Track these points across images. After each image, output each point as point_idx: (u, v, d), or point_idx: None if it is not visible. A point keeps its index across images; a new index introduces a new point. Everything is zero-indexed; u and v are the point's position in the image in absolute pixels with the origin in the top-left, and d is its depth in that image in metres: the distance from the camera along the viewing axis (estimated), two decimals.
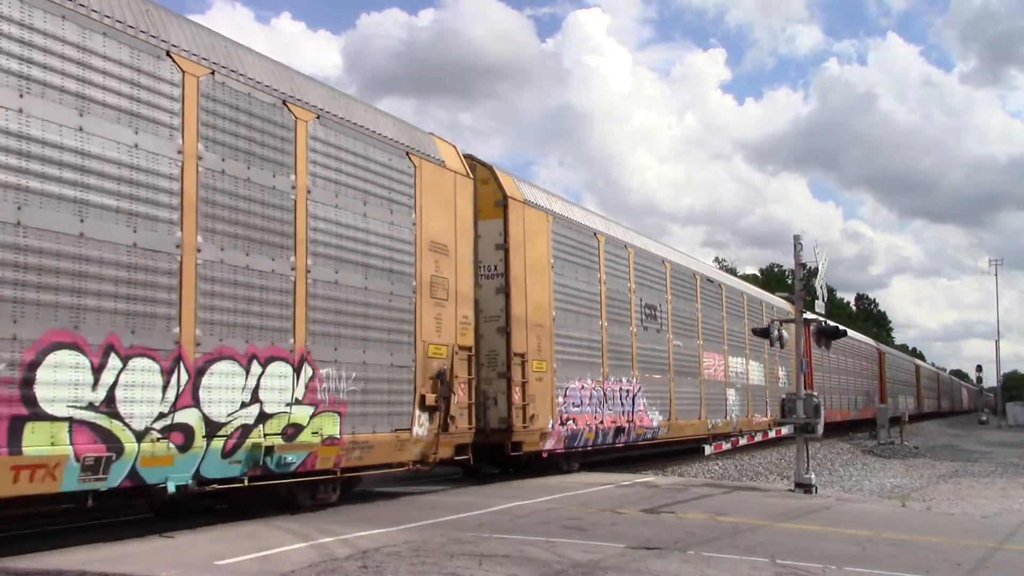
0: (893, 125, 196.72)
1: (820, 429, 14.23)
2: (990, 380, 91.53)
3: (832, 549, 8.31)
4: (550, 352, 15.05)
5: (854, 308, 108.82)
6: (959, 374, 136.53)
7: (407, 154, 11.84)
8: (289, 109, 9.88)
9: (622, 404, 17.62)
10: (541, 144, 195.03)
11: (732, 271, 69.99)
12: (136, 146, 8.06)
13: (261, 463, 9.16)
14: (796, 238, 14.88)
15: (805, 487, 13.79)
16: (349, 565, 6.94)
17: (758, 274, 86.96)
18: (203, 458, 8.52)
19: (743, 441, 17.16)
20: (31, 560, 6.96)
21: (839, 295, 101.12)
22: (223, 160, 8.94)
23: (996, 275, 74.23)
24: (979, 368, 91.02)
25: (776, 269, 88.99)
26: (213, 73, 8.93)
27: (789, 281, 26.17)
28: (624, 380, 17.80)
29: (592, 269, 16.98)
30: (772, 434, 17.82)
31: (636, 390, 18.24)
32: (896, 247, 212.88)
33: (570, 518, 9.97)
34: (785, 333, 16.14)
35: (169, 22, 8.69)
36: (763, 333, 16.64)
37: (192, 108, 8.62)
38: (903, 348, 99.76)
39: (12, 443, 6.88)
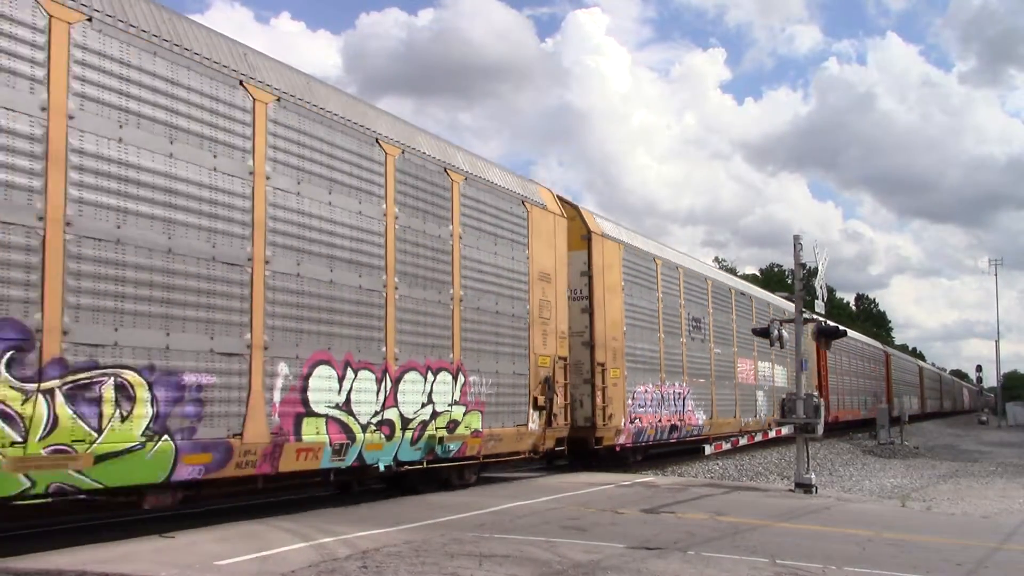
0: (892, 125, 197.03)
1: (820, 429, 14.23)
2: (990, 380, 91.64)
3: (832, 549, 8.31)
4: (622, 361, 17.73)
5: (854, 308, 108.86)
6: (959, 374, 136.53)
7: (522, 202, 14.56)
8: (448, 174, 12.72)
9: (675, 405, 20.36)
10: (541, 144, 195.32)
11: (732, 271, 70.01)
12: (360, 213, 10.85)
13: (434, 450, 11.93)
14: (796, 238, 14.88)
15: (805, 487, 13.79)
16: (349, 565, 6.94)
17: (758, 274, 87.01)
18: (400, 445, 11.28)
19: (743, 441, 17.16)
20: (31, 560, 6.97)
21: (839, 295, 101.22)
22: (409, 217, 11.79)
23: (996, 275, 74.42)
24: (979, 368, 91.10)
25: (776, 269, 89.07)
26: (403, 152, 11.80)
27: (789, 281, 26.19)
28: (676, 384, 20.53)
29: (652, 289, 19.74)
30: (772, 434, 17.82)
31: (686, 393, 20.94)
32: (895, 247, 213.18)
33: (570, 518, 9.97)
34: (786, 333, 16.13)
35: (379, 117, 11.73)
36: (763, 333, 16.63)
37: (392, 179, 11.54)
38: (903, 348, 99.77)
39: (296, 432, 9.59)
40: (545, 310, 14.87)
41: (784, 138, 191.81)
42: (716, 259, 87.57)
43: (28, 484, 6.96)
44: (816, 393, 14.97)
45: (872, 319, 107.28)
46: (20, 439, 6.85)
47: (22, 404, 6.89)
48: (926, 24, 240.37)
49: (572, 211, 16.98)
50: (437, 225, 12.29)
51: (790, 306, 30.47)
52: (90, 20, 7.77)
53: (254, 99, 9.39)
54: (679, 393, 20.53)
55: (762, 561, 7.51)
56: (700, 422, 21.75)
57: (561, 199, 16.67)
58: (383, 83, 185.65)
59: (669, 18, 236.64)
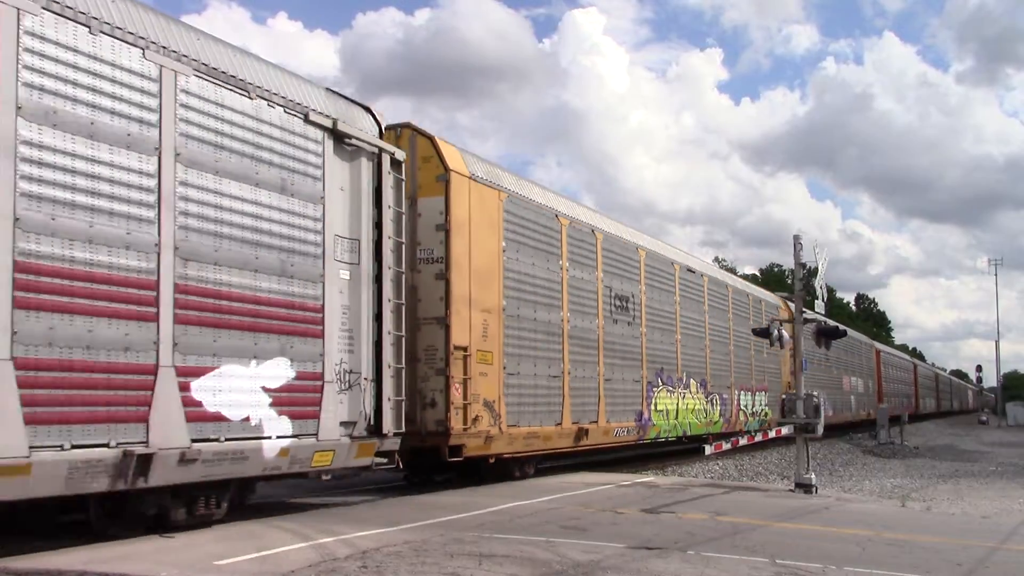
0: (890, 125, 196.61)
1: (820, 429, 14.23)
2: (990, 380, 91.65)
3: (832, 549, 8.32)
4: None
5: (854, 308, 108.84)
6: (959, 374, 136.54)
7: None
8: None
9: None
10: (539, 144, 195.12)
11: (732, 271, 69.98)
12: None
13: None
14: (796, 238, 14.87)
15: (805, 487, 13.79)
16: (349, 565, 6.94)
17: (758, 274, 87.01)
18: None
19: (743, 441, 17.15)
20: (31, 560, 6.96)
21: (839, 295, 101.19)
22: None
23: (996, 275, 74.43)
24: (979, 368, 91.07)
25: (776, 269, 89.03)
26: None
27: (789, 281, 26.12)
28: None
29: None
30: (772, 434, 17.82)
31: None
32: (894, 247, 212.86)
33: (570, 518, 9.97)
34: (786, 333, 16.13)
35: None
36: (763, 333, 16.63)
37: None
38: (903, 348, 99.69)
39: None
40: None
41: (782, 138, 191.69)
42: (716, 259, 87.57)
43: None
44: (815, 393, 14.94)
45: (872, 319, 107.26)
46: None
47: None
48: (922, 25, 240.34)
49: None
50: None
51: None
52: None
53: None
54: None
55: (762, 561, 7.52)
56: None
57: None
58: (381, 83, 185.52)
59: (666, 19, 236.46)
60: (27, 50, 7.05)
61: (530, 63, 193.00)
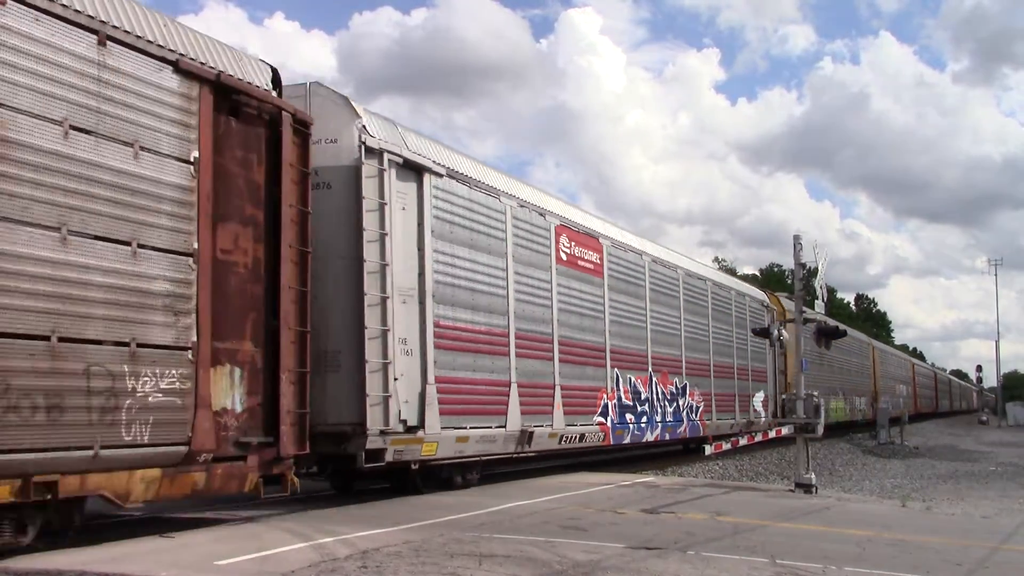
0: (887, 125, 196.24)
1: (820, 429, 14.24)
2: (990, 380, 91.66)
3: (832, 549, 8.31)
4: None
5: (854, 308, 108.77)
6: (959, 374, 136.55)
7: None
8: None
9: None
10: (537, 144, 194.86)
11: (732, 271, 69.96)
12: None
13: None
14: (796, 238, 14.87)
15: (805, 487, 13.79)
16: (349, 565, 6.93)
17: (757, 274, 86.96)
18: None
19: (743, 441, 17.15)
20: (31, 560, 6.96)
21: (838, 295, 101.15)
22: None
23: (996, 275, 74.41)
24: (979, 368, 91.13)
25: (776, 269, 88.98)
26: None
27: (789, 281, 26.09)
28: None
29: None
30: (772, 434, 17.81)
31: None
32: (893, 247, 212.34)
33: (570, 518, 9.97)
34: (786, 333, 16.13)
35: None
36: (763, 333, 16.63)
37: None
38: (903, 348, 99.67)
39: None
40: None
41: (779, 138, 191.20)
42: (716, 259, 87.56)
43: None
44: (815, 393, 14.94)
45: (872, 319, 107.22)
46: None
47: None
48: (919, 25, 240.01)
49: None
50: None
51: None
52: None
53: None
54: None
55: (762, 561, 7.51)
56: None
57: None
58: (379, 83, 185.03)
59: (663, 19, 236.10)
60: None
61: (527, 63, 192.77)
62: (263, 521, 9.33)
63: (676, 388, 20.02)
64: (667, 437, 19.55)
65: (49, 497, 6.97)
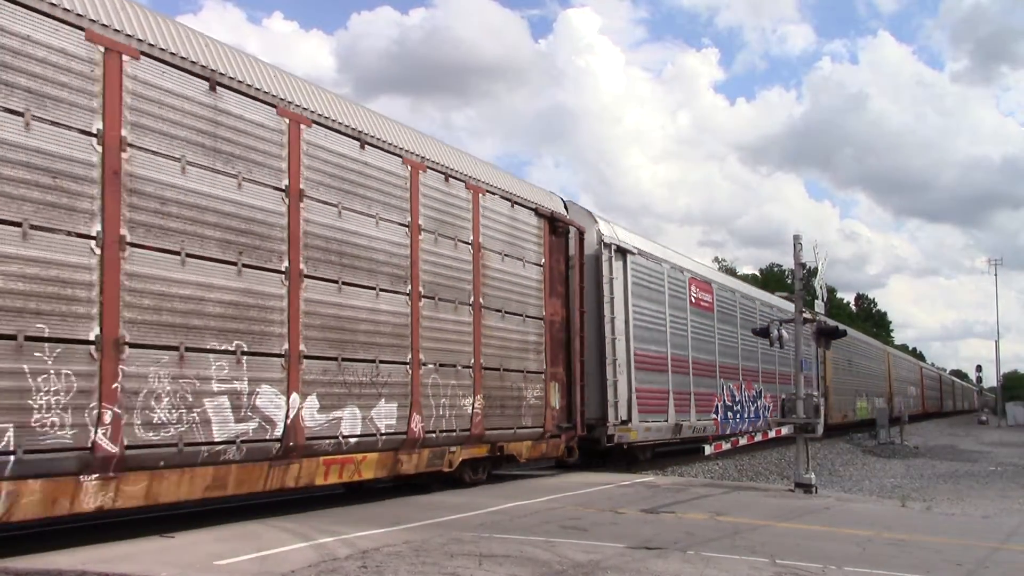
0: (886, 125, 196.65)
1: (820, 429, 14.23)
2: (990, 380, 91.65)
3: (832, 549, 8.31)
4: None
5: (853, 308, 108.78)
6: (959, 374, 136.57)
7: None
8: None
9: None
10: (536, 144, 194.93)
11: (732, 271, 69.98)
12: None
13: None
14: (796, 238, 14.85)
15: (805, 487, 13.78)
16: (349, 565, 6.94)
17: (757, 274, 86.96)
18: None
19: (743, 441, 17.16)
20: (31, 560, 6.96)
21: (838, 295, 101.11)
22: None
23: (996, 275, 74.41)
24: (979, 368, 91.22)
25: (776, 269, 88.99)
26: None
27: (789, 281, 26.18)
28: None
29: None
30: (772, 434, 17.81)
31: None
32: (892, 247, 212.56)
33: (570, 518, 9.97)
34: (786, 333, 16.14)
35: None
36: (763, 333, 16.64)
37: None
38: (903, 348, 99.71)
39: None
40: None
41: (778, 138, 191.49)
42: (716, 259, 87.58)
43: None
44: (815, 392, 14.96)
45: (872, 319, 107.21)
46: None
47: None
48: (918, 25, 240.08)
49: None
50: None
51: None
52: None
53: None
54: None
55: (762, 561, 7.51)
56: None
57: None
58: (378, 83, 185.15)
59: (661, 19, 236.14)
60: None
61: (526, 63, 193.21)
62: (263, 521, 9.34)
63: (755, 392, 26.02)
64: (750, 429, 24.74)
65: (498, 454, 13.42)
